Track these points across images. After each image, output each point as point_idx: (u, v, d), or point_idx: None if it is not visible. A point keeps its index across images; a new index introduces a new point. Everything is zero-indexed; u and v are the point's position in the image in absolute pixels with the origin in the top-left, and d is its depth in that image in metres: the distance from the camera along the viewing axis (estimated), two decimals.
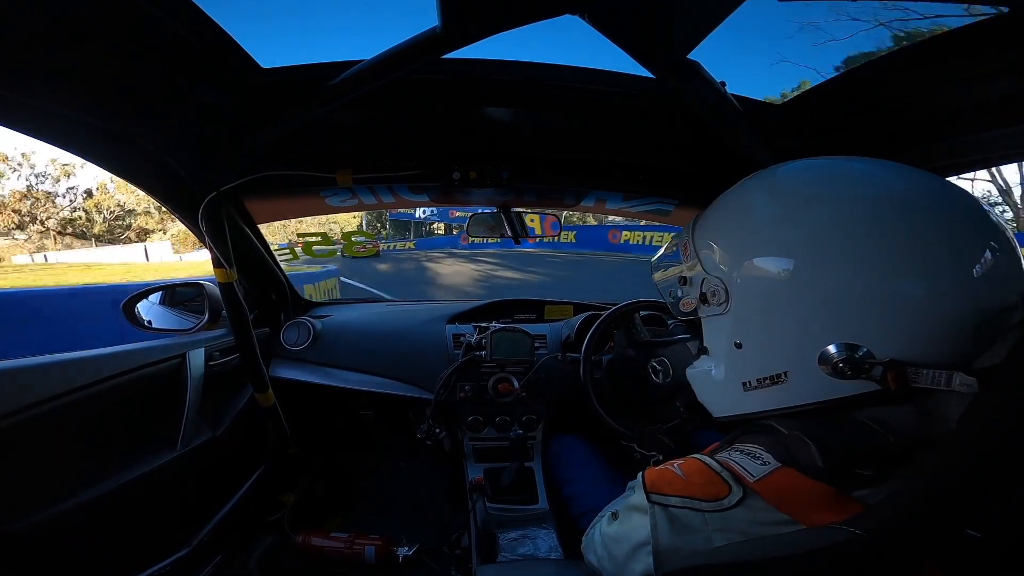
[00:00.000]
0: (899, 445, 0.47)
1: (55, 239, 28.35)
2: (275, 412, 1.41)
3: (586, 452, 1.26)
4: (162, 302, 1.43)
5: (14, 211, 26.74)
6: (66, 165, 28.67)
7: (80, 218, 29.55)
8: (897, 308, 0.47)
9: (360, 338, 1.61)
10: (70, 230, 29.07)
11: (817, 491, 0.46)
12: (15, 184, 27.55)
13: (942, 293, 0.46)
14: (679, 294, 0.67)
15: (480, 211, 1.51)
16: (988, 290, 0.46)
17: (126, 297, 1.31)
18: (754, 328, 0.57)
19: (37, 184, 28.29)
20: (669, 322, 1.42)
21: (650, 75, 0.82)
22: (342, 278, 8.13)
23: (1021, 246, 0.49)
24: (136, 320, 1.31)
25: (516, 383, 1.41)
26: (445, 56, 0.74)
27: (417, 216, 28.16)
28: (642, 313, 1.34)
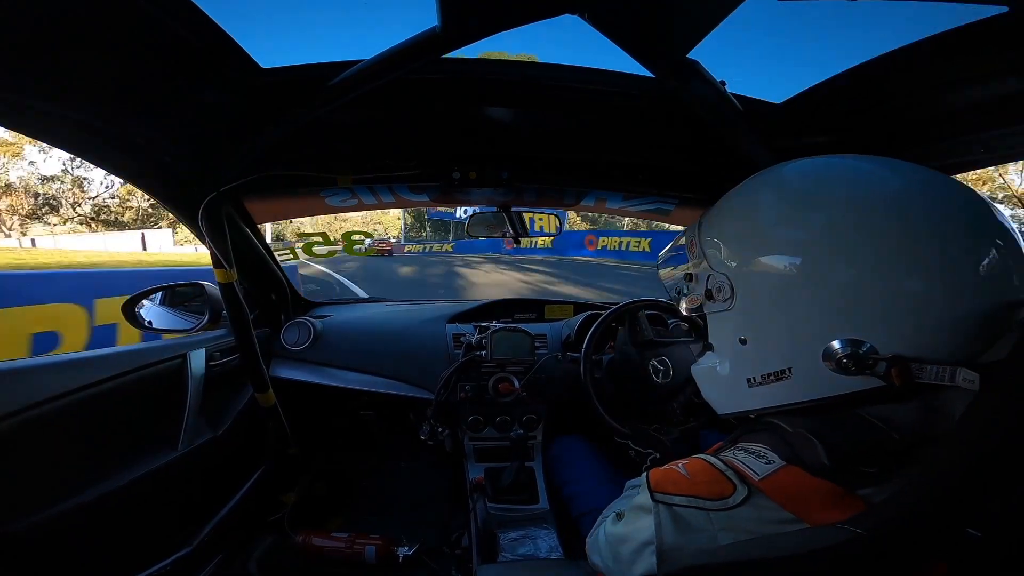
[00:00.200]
0: (904, 442, 0.47)
1: (89, 225, 27.62)
2: (275, 412, 1.41)
3: (587, 452, 1.26)
4: (162, 302, 1.44)
5: (32, 195, 26.00)
6: None
7: (113, 205, 28.61)
8: (901, 305, 0.47)
9: (360, 338, 1.62)
10: (103, 216, 28.28)
11: (822, 489, 0.46)
12: (51, 167, 26.74)
13: (946, 290, 0.46)
14: (685, 291, 0.67)
15: (481, 211, 1.52)
16: (993, 287, 0.46)
17: (127, 297, 1.31)
18: (758, 324, 0.57)
19: (72, 168, 27.36)
20: (670, 321, 1.42)
21: (650, 75, 0.82)
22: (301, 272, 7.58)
23: None
24: (136, 320, 1.31)
25: (516, 383, 1.41)
26: (445, 56, 0.74)
27: (458, 216, 24.23)
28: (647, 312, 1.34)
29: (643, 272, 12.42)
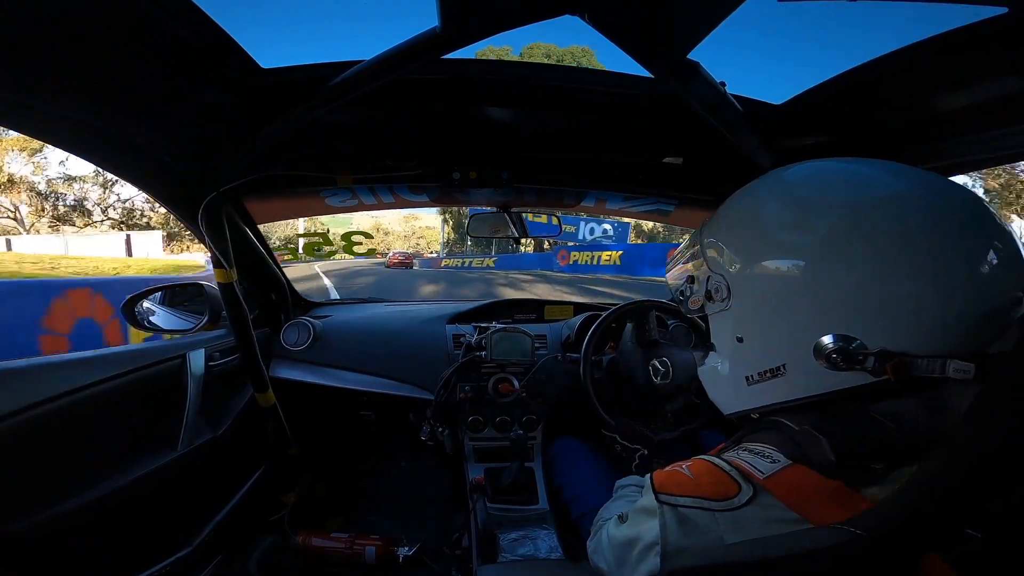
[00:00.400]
0: (908, 439, 0.47)
1: (118, 228, 26.87)
2: (275, 412, 1.41)
3: (586, 453, 1.26)
4: (162, 302, 1.43)
5: (37, 193, 25.18)
6: None
7: (143, 210, 27.84)
8: (894, 305, 0.48)
9: (360, 338, 1.62)
10: (132, 220, 27.62)
11: (828, 488, 0.46)
12: (80, 168, 25.76)
13: (939, 291, 0.46)
14: (688, 293, 0.69)
15: (483, 211, 1.52)
16: (989, 287, 0.47)
17: (126, 297, 1.31)
18: (752, 322, 0.59)
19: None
20: (669, 322, 1.42)
21: (650, 75, 0.82)
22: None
23: None
24: (136, 320, 1.31)
25: (516, 383, 1.41)
26: (445, 56, 0.74)
27: None
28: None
29: None
